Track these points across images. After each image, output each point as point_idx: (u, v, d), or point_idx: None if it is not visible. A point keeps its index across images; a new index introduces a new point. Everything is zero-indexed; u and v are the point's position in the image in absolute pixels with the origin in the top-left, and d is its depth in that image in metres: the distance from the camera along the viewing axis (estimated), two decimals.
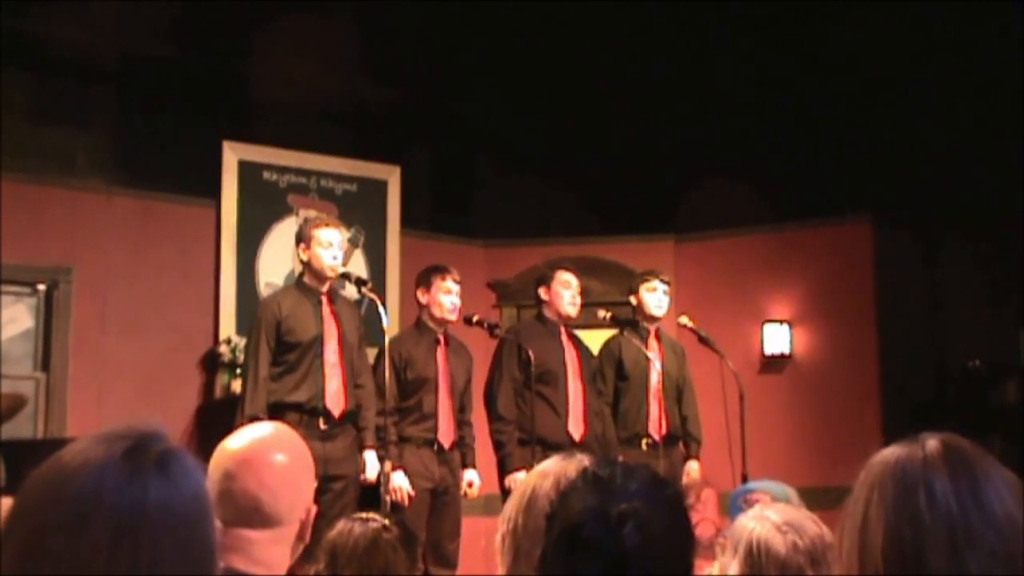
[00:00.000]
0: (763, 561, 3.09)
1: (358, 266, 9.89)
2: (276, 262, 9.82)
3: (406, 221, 10.54)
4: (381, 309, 7.50)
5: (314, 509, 2.83)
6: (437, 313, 7.83)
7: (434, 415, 7.74)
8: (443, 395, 7.80)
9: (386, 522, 4.24)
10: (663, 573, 2.07)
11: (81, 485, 1.58)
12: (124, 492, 1.57)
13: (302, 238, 7.52)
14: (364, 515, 4.28)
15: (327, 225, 7.53)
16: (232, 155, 9.80)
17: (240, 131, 9.85)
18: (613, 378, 8.45)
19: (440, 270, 7.90)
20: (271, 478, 2.76)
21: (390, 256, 10.40)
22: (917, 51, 9.83)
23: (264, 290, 9.45)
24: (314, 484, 2.88)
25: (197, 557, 1.61)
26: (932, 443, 2.06)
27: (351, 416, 7.44)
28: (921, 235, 10.01)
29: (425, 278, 7.91)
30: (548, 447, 7.34)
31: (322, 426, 7.25)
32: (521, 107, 10.99)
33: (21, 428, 8.14)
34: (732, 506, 4.09)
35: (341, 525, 4.18)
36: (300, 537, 2.79)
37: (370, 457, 7.50)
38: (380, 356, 7.62)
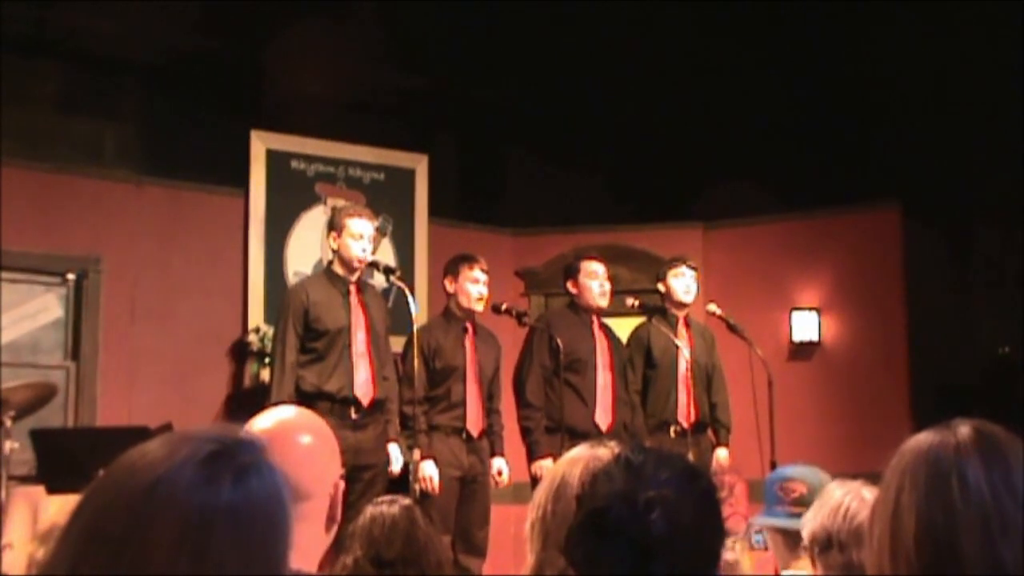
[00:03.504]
0: (841, 524, 3.29)
1: (386, 255, 9.90)
2: (304, 251, 9.84)
3: (434, 210, 10.55)
4: (410, 298, 7.51)
5: (342, 485, 2.84)
6: (464, 302, 7.81)
7: (462, 403, 7.74)
8: (471, 383, 7.79)
9: (410, 501, 4.26)
10: (689, 563, 2.06)
11: (156, 477, 1.58)
12: (196, 493, 1.57)
13: (333, 226, 7.51)
14: (388, 498, 4.30)
15: (359, 216, 7.51)
16: (260, 144, 9.83)
17: (268, 121, 9.87)
18: (642, 366, 8.43)
19: (468, 259, 7.88)
20: (296, 452, 2.77)
21: (418, 245, 10.42)
22: (947, 39, 9.79)
23: (292, 279, 9.46)
24: (340, 464, 2.89)
25: (261, 570, 1.61)
26: (964, 429, 2.05)
27: (380, 405, 7.44)
28: (950, 222, 9.97)
29: (453, 267, 7.89)
30: (575, 436, 7.32)
31: (353, 415, 7.25)
32: (549, 95, 10.98)
33: (52, 417, 8.17)
34: (767, 493, 4.08)
35: (371, 511, 4.18)
36: (332, 516, 2.80)
37: (394, 450, 7.51)
38: (409, 345, 7.62)
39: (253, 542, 1.61)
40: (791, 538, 3.87)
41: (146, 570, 1.53)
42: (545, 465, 7.50)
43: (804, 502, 3.87)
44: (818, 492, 3.81)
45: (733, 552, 5.40)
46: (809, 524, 3.43)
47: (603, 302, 8.25)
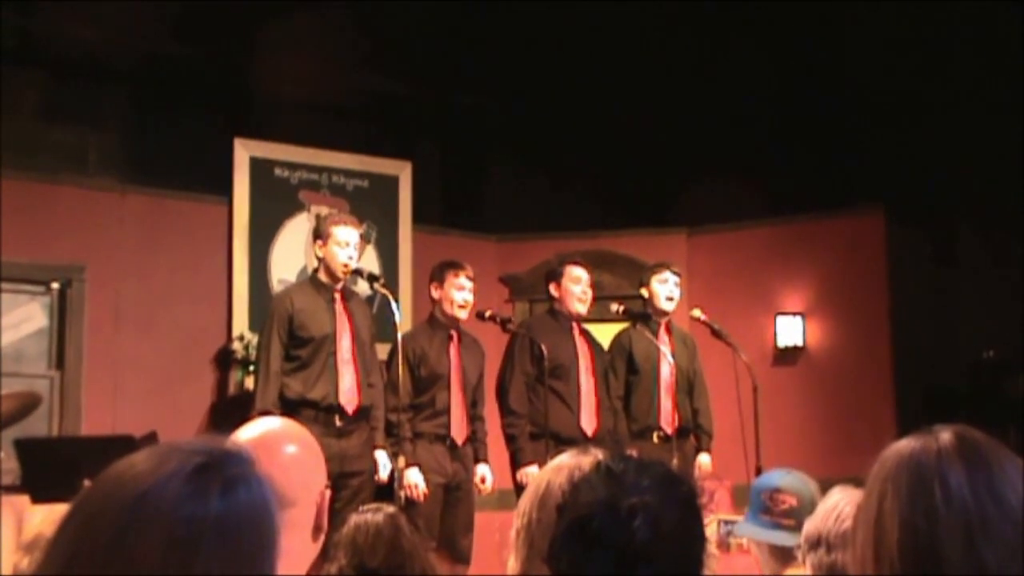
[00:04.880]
0: (832, 526, 3.35)
1: (370, 262, 9.89)
2: (288, 259, 9.83)
3: (418, 216, 10.54)
4: (393, 305, 7.50)
5: (328, 494, 2.84)
6: (449, 310, 7.81)
7: (447, 411, 7.74)
8: (456, 391, 7.79)
9: (395, 509, 4.26)
10: (673, 568, 2.07)
11: (144, 489, 1.58)
12: (184, 506, 1.57)
13: (319, 234, 7.52)
14: (374, 506, 4.29)
15: (345, 224, 7.52)
16: (243, 152, 9.81)
17: (251, 128, 9.86)
18: (624, 371, 8.42)
19: (454, 266, 7.87)
20: (283, 460, 2.77)
21: (402, 252, 10.41)
22: (931, 43, 9.81)
23: (277, 287, 9.46)
24: (325, 474, 2.90)
25: None
26: (946, 435, 2.05)
27: (365, 413, 7.44)
28: (934, 226, 10.00)
29: (439, 274, 7.89)
30: (560, 442, 7.33)
31: (338, 423, 7.25)
32: (532, 102, 10.99)
33: (36, 426, 8.16)
34: (753, 499, 4.04)
35: (355, 519, 4.18)
36: (318, 525, 2.79)
37: (381, 457, 7.51)
38: (393, 352, 7.62)
39: (241, 554, 1.61)
40: (779, 549, 3.87)
41: None
42: (530, 472, 7.49)
43: (793, 514, 3.85)
44: (808, 504, 3.80)
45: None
46: (806, 526, 3.46)
47: (582, 308, 8.24)
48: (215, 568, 1.57)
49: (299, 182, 10.08)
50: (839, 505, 3.39)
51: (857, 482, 2.21)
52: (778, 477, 4.10)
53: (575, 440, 7.41)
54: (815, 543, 3.39)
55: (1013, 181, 9.09)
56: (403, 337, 7.62)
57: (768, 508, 3.96)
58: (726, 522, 7.94)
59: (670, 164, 10.79)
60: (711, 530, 6.94)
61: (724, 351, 8.44)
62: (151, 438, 6.74)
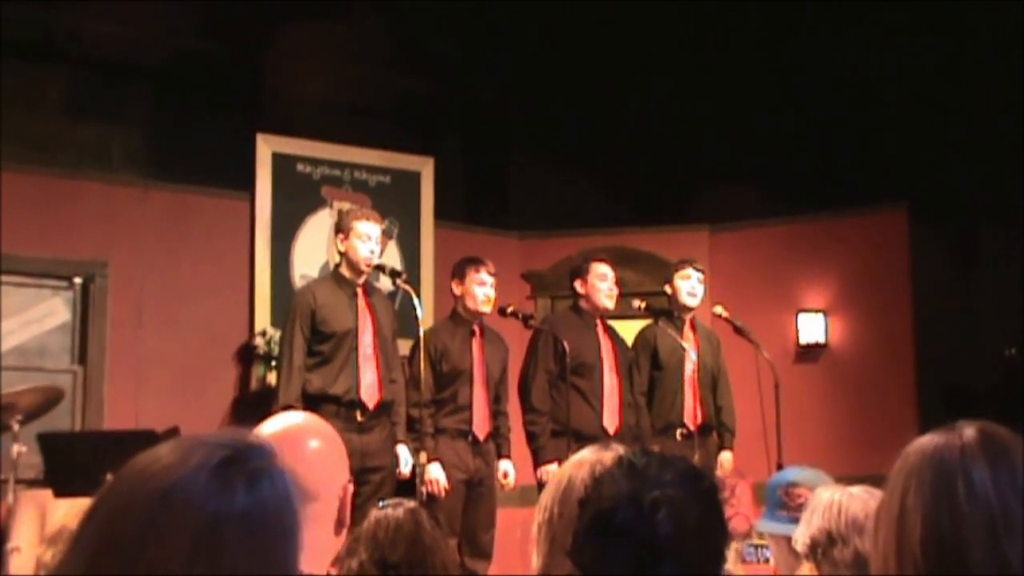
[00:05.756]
0: (837, 519, 3.36)
1: (392, 258, 9.89)
2: (310, 254, 9.84)
3: (440, 213, 10.54)
4: (415, 301, 7.50)
5: (351, 488, 2.85)
6: (471, 305, 7.81)
7: (469, 406, 7.73)
8: (478, 386, 7.79)
9: (416, 504, 4.27)
10: (695, 562, 2.07)
11: (171, 483, 1.59)
12: (211, 500, 1.58)
13: (341, 228, 7.53)
14: (395, 501, 4.31)
15: (367, 219, 7.52)
16: (266, 148, 9.83)
17: (274, 124, 9.87)
18: (648, 367, 8.41)
19: (474, 262, 7.88)
20: (305, 454, 2.78)
21: (424, 248, 10.41)
22: (954, 40, 9.79)
23: (299, 282, 9.47)
24: (347, 469, 2.90)
25: (273, 573, 1.62)
26: (969, 431, 2.05)
27: (386, 408, 7.44)
28: (956, 223, 9.96)
29: (460, 270, 7.89)
30: (582, 439, 7.29)
31: (359, 418, 7.26)
32: (554, 98, 10.98)
33: (59, 421, 8.19)
34: (770, 496, 4.06)
35: (376, 514, 4.19)
36: (341, 520, 2.80)
37: (403, 452, 7.51)
38: (415, 348, 7.63)
39: (266, 547, 1.62)
40: None
41: (161, 574, 1.54)
42: (550, 470, 7.49)
43: None
44: None
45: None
46: (804, 533, 3.45)
47: (609, 303, 8.23)
48: (241, 561, 1.57)
49: (321, 178, 10.09)
50: (835, 499, 3.42)
51: (878, 480, 2.21)
52: (793, 472, 4.15)
53: (596, 438, 7.37)
54: (828, 543, 3.39)
55: None
56: (425, 333, 7.63)
57: (784, 503, 3.99)
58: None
59: (692, 161, 10.77)
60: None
61: (746, 348, 8.44)
62: (173, 433, 6.74)
